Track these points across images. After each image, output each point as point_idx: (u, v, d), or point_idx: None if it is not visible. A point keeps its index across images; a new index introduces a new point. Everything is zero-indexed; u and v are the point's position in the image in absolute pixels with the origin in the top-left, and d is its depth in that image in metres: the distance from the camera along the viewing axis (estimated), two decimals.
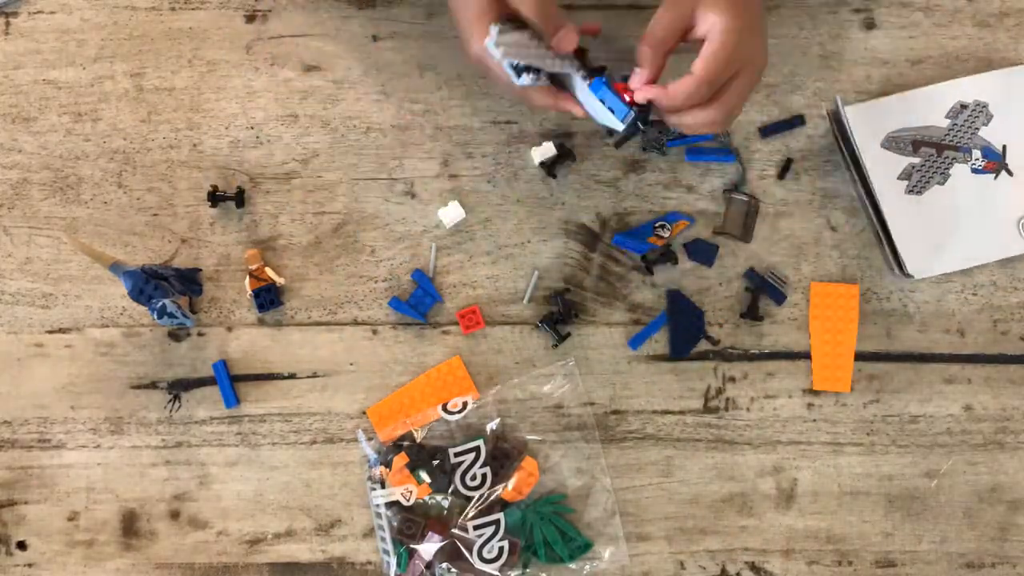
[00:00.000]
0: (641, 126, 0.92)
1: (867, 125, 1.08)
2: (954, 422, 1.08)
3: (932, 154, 1.08)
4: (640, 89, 0.92)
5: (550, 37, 0.91)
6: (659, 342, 1.08)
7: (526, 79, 0.92)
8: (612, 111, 0.93)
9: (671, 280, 1.08)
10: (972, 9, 1.11)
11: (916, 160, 1.08)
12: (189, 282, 1.04)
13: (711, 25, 0.89)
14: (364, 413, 1.07)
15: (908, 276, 1.06)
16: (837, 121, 1.08)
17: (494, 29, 0.91)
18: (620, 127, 0.93)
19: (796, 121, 1.10)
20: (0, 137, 1.10)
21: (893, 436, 1.08)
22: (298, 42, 1.11)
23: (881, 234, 1.08)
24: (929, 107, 1.09)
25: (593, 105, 0.94)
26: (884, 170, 1.08)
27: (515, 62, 0.91)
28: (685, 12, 0.90)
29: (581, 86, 0.94)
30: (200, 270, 1.06)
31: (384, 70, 1.11)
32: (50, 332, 1.08)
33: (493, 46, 0.91)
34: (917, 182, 1.07)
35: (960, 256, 1.08)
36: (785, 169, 1.09)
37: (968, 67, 1.10)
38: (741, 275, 1.08)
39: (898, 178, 1.07)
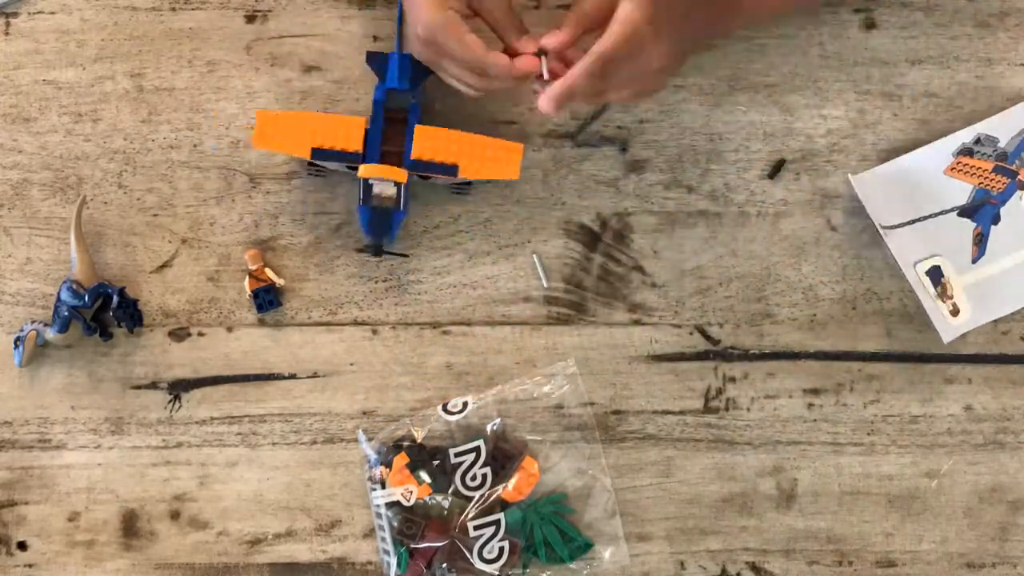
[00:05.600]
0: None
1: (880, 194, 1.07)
2: (954, 422, 1.08)
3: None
4: (551, 39, 0.97)
5: (513, 35, 0.99)
6: (659, 342, 1.08)
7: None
8: None
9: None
10: (972, 9, 1.11)
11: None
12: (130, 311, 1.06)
13: (619, 10, 0.94)
14: (364, 413, 1.07)
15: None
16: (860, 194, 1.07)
17: None
18: None
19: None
20: (0, 137, 1.10)
21: (893, 436, 1.08)
22: (298, 42, 1.11)
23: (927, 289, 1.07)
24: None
25: None
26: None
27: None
28: None
29: None
30: (136, 300, 1.07)
31: None
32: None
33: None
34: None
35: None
36: (777, 169, 1.09)
37: (968, 67, 1.10)
38: (742, 275, 1.08)
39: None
